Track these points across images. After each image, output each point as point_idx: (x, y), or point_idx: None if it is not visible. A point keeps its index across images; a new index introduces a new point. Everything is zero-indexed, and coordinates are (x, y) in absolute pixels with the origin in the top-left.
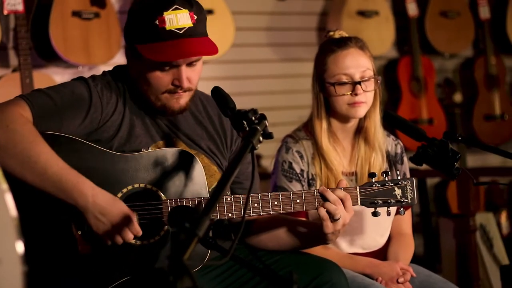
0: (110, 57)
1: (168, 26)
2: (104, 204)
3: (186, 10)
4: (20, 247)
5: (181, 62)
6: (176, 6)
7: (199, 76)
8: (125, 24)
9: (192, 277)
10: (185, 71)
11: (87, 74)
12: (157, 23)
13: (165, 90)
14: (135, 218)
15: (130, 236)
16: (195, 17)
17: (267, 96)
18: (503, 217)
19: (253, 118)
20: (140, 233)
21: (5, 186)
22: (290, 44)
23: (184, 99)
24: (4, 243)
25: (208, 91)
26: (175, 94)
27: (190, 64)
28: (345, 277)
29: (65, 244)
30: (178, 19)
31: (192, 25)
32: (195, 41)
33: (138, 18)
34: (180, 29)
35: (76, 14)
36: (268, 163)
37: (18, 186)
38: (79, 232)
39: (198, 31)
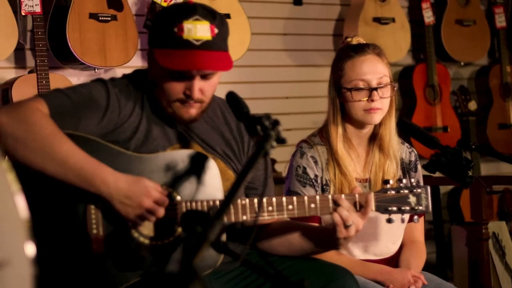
0: (126, 60)
1: (185, 35)
2: (127, 186)
3: (207, 22)
4: (30, 249)
5: (195, 73)
6: (197, 16)
7: (214, 89)
8: (150, 26)
9: (203, 281)
10: (198, 82)
11: (103, 77)
12: (176, 30)
13: (176, 99)
14: (160, 191)
15: (161, 212)
16: (216, 31)
17: (282, 101)
18: None
19: (267, 123)
20: (167, 202)
21: (16, 187)
22: (306, 50)
23: (195, 109)
24: (14, 245)
25: (224, 95)
26: (186, 103)
27: (205, 77)
28: (357, 284)
29: (78, 243)
30: (197, 30)
31: (210, 38)
32: (210, 55)
33: (160, 22)
34: (197, 40)
35: (93, 16)
36: (282, 168)
37: (31, 187)
38: (95, 231)
39: (216, 45)
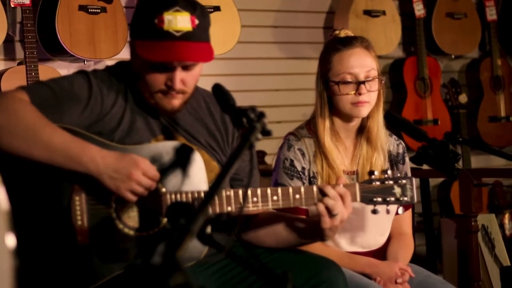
0: (116, 52)
1: (166, 27)
2: (114, 161)
3: (188, 13)
4: (11, 240)
5: (176, 64)
6: (177, 7)
7: (196, 79)
8: (132, 18)
9: (185, 273)
10: (179, 73)
11: (92, 69)
12: (156, 21)
13: (158, 90)
14: (148, 162)
15: (151, 184)
16: (196, 22)
17: (272, 93)
18: (506, 218)
19: (252, 115)
20: (158, 176)
21: None
22: (296, 42)
23: (177, 100)
24: None
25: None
26: (168, 94)
27: (186, 68)
28: (344, 276)
29: (63, 235)
30: (178, 21)
31: (191, 29)
32: (190, 46)
33: (140, 13)
34: (177, 31)
35: (83, 8)
36: (272, 160)
37: (15, 179)
38: (79, 223)
39: (196, 36)
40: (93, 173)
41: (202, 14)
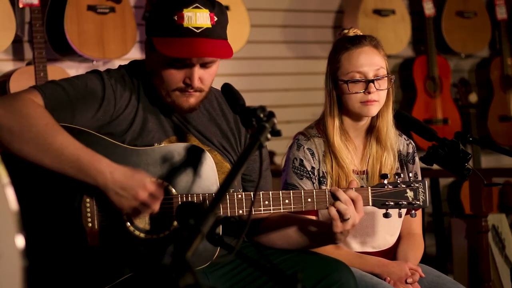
0: (124, 52)
1: (185, 23)
2: (123, 178)
3: (207, 10)
4: (20, 241)
5: (195, 61)
6: (197, 4)
7: (213, 77)
8: (148, 15)
9: (195, 274)
10: (198, 71)
11: (101, 69)
12: (176, 18)
13: (176, 88)
14: (157, 184)
15: (156, 206)
16: (215, 19)
17: (281, 93)
18: None
19: (262, 115)
20: (163, 198)
21: (6, 180)
22: (305, 42)
23: (194, 98)
24: (5, 237)
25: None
26: (185, 92)
27: (204, 65)
28: (354, 277)
29: (74, 237)
30: (197, 18)
31: (210, 26)
32: (210, 43)
33: (158, 10)
34: (197, 28)
35: (91, 8)
36: (282, 160)
37: (27, 180)
38: (90, 225)
39: (215, 33)
40: (100, 187)
41: (221, 12)
